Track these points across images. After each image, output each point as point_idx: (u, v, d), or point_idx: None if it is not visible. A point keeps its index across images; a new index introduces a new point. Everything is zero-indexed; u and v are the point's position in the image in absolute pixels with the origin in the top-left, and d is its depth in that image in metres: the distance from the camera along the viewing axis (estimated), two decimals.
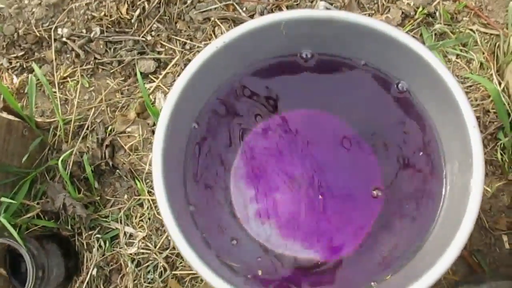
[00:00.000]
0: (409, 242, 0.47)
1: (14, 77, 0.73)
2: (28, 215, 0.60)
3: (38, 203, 0.62)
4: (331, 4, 0.71)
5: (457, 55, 0.67)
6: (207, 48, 0.42)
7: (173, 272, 0.60)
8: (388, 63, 0.45)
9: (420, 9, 0.69)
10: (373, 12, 0.71)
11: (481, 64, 0.65)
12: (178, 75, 0.71)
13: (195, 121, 0.48)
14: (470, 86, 0.64)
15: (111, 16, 0.72)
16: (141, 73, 0.69)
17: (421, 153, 0.47)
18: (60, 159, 0.58)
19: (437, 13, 0.68)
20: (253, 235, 0.49)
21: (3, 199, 0.54)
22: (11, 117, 0.61)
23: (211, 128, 0.49)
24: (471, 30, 0.67)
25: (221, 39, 0.42)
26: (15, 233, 0.52)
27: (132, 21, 0.72)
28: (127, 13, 0.71)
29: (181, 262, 0.61)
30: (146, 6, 0.71)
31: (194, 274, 0.60)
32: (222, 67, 0.46)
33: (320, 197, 0.50)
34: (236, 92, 0.48)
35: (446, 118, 0.43)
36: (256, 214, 0.50)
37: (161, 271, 0.60)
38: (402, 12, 0.69)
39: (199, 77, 0.43)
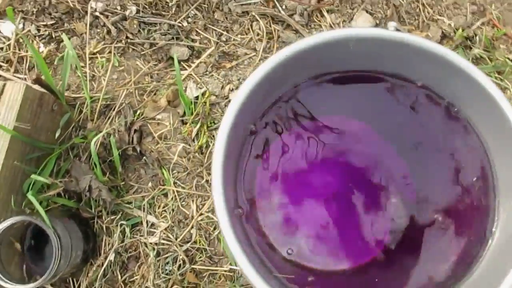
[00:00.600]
0: (449, 267, 0.48)
1: (41, 45, 0.71)
2: (50, 192, 0.59)
3: (60, 181, 0.60)
4: (372, 15, 0.71)
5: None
6: (272, 58, 0.41)
7: (192, 266, 0.60)
8: (451, 90, 0.45)
9: (460, 31, 0.69)
10: (413, 28, 0.71)
11: None
12: (211, 66, 0.70)
13: (252, 125, 0.47)
14: None
15: None
16: (173, 59, 0.68)
17: (471, 180, 0.48)
18: (93, 140, 0.57)
19: (477, 38, 0.69)
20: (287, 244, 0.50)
21: (33, 176, 0.53)
22: (42, 90, 0.59)
23: (264, 133, 0.49)
24: (508, 58, 0.68)
25: (287, 51, 0.41)
26: (43, 213, 0.51)
27: (170, 4, 0.70)
28: None
29: (200, 257, 0.61)
30: None
31: (212, 270, 0.60)
32: (281, 77, 0.46)
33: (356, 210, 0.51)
34: (291, 101, 0.48)
35: (506, 154, 0.43)
36: (288, 222, 0.50)
37: (180, 264, 0.60)
38: (442, 32, 0.70)
39: (258, 87, 0.43)
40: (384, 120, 0.49)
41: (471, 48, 0.69)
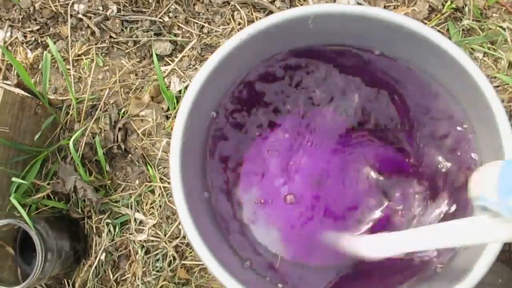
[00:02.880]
0: None
1: (29, 51, 0.72)
2: (38, 195, 0.60)
3: (48, 184, 0.61)
4: None
5: (485, 53, 0.64)
6: (232, 39, 0.40)
7: (182, 262, 0.59)
8: (420, 61, 0.43)
9: (449, 3, 0.66)
10: (399, 4, 0.68)
11: (510, 63, 0.63)
12: (195, 59, 0.69)
13: (214, 110, 0.47)
14: (497, 86, 0.62)
15: None
16: (157, 55, 0.68)
17: (447, 156, 0.45)
18: (72, 140, 0.57)
19: (466, 8, 0.66)
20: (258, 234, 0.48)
21: (14, 179, 0.54)
22: (24, 93, 0.60)
23: (228, 117, 0.47)
24: (501, 27, 0.64)
25: (246, 31, 0.40)
26: (25, 215, 0.52)
27: (150, 1, 0.70)
28: None
29: (190, 252, 0.60)
30: None
31: (203, 265, 0.59)
32: (243, 58, 0.45)
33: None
34: (255, 83, 0.47)
35: (481, 126, 0.41)
36: (263, 214, 0.49)
37: (170, 260, 0.59)
38: (429, 5, 0.67)
39: (220, 68, 0.42)
40: (350, 94, 0.47)
41: (461, 20, 0.66)
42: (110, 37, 0.71)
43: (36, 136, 0.58)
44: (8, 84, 0.69)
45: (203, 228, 0.39)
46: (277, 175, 0.48)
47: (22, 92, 0.60)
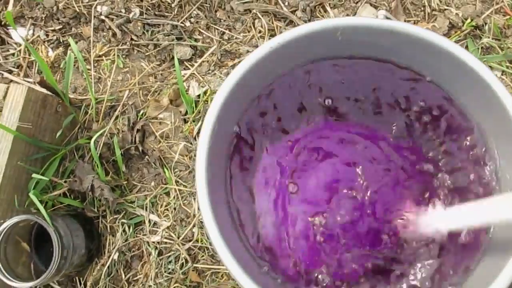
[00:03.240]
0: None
1: (50, 50, 0.73)
2: (55, 192, 0.60)
3: (65, 182, 0.61)
4: (377, 8, 0.70)
5: (503, 71, 0.65)
6: (262, 47, 0.41)
7: (194, 265, 0.60)
8: (446, 79, 0.43)
9: (469, 20, 0.67)
10: (419, 19, 0.69)
11: None
12: (214, 65, 0.70)
13: (238, 117, 0.47)
14: None
15: None
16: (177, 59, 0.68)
17: (470, 175, 0.46)
18: (93, 139, 0.58)
19: (486, 27, 0.66)
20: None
21: (34, 175, 0.54)
22: (46, 91, 0.61)
23: (253, 128, 0.48)
24: None
25: (276, 40, 0.41)
26: (44, 211, 0.52)
27: (173, 5, 0.71)
28: None
29: (203, 256, 0.60)
30: None
31: (215, 268, 0.60)
32: (270, 68, 0.45)
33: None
34: (281, 93, 0.47)
35: (506, 147, 0.42)
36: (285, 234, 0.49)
37: (183, 263, 0.60)
38: (449, 22, 0.67)
39: (247, 74, 0.42)
40: (377, 111, 0.47)
41: (480, 37, 0.66)
42: (131, 39, 0.71)
43: (58, 134, 0.58)
44: (30, 82, 0.70)
45: (226, 234, 0.40)
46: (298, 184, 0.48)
47: (44, 90, 0.61)
